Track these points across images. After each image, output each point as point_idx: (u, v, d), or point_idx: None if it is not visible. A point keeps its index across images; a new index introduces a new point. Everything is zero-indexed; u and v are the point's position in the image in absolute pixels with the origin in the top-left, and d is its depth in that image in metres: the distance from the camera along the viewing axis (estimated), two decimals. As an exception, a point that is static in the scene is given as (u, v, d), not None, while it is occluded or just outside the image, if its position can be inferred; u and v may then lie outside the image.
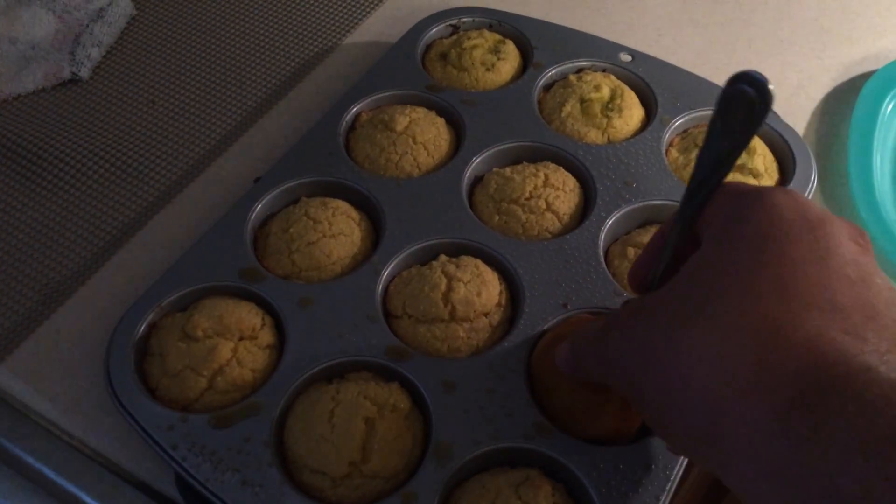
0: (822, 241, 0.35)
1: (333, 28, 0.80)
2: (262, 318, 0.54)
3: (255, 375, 0.52)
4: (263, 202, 0.61)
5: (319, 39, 0.79)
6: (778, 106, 0.72)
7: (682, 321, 0.36)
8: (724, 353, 0.34)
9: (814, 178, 0.63)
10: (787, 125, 0.67)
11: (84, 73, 0.74)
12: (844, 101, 0.75)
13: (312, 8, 0.82)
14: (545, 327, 0.54)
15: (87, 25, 0.77)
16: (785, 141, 0.66)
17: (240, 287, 0.56)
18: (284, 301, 0.55)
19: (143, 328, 0.54)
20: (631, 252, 0.58)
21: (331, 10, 0.82)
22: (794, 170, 0.64)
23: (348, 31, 0.80)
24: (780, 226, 0.36)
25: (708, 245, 0.38)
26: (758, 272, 0.35)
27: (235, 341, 0.52)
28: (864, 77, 0.77)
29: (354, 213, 0.60)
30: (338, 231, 0.58)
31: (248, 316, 0.54)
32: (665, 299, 0.38)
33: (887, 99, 0.74)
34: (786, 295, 0.34)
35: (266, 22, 0.81)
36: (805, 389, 0.31)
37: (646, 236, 0.59)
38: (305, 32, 0.80)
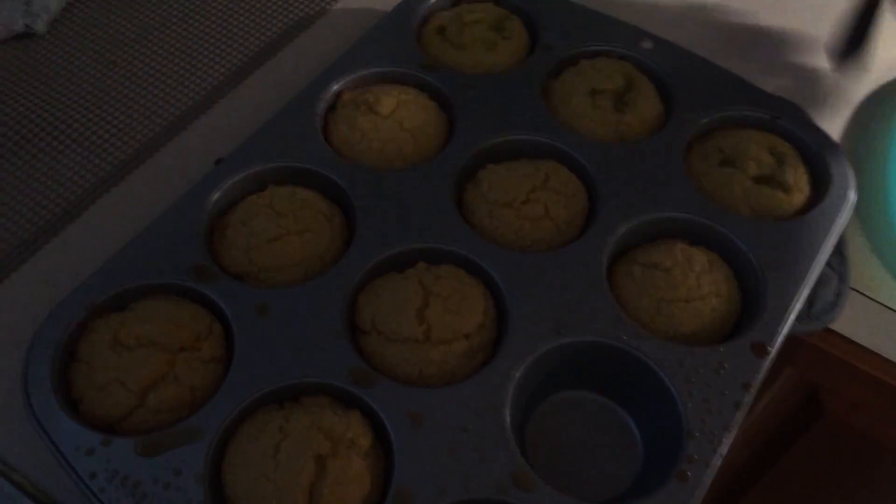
0: None
1: (323, -9, 0.72)
2: (210, 326, 0.47)
3: (195, 394, 0.45)
4: (224, 188, 0.53)
5: (305, 2, 0.71)
6: (812, 110, 0.65)
7: None
8: None
9: (851, 197, 0.55)
10: (822, 131, 0.59)
11: (40, 26, 0.68)
12: (888, 105, 0.68)
13: (301, -33, 0.74)
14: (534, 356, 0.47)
15: (48, -27, 0.69)
16: (820, 152, 0.58)
17: (187, 286, 0.49)
18: (238, 306, 0.48)
19: (71, 329, 0.47)
20: (638, 271, 0.51)
21: (321, -29, 0.74)
22: (829, 186, 0.56)
23: (339, -4, 0.72)
24: None
25: None
26: None
27: (174, 352, 0.46)
28: (911, 80, 0.69)
29: (325, 207, 0.53)
30: (304, 227, 0.51)
31: (192, 323, 0.47)
32: None
33: (935, 107, 0.66)
34: None
35: (248, -20, 0.73)
36: None
37: (656, 254, 0.52)
38: (291, -6, 0.72)
